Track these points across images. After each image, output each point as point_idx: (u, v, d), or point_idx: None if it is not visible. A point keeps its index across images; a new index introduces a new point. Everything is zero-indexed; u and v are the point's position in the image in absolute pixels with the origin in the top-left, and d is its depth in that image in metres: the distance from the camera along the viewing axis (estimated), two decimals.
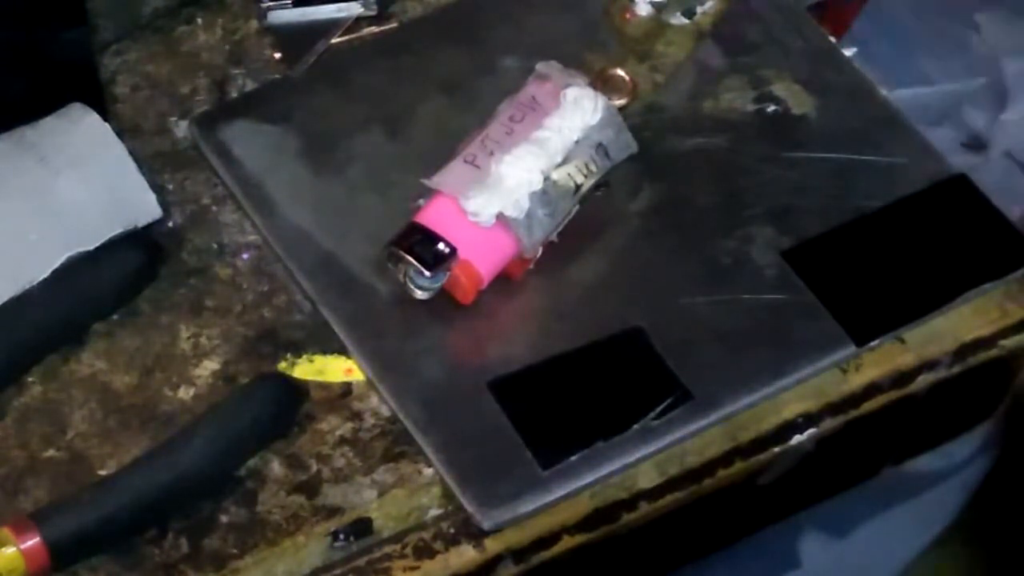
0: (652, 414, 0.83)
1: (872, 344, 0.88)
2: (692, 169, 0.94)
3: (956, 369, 0.89)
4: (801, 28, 1.01)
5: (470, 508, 0.81)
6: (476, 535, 0.81)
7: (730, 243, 0.91)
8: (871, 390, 0.88)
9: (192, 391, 0.85)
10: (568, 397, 0.85)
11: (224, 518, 0.81)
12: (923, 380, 0.89)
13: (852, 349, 0.87)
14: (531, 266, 0.88)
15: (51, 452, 0.83)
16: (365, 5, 1.01)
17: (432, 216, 0.86)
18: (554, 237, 0.88)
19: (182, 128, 0.96)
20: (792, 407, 0.86)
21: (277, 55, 0.99)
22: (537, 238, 0.87)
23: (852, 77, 1.00)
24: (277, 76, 0.98)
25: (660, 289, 0.89)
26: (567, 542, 0.82)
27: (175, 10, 1.01)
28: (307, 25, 1.00)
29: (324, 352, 0.87)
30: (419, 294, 0.86)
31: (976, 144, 1.44)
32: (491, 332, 0.88)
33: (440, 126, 0.94)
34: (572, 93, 0.89)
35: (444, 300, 0.86)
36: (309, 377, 0.86)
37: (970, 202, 0.93)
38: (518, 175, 0.85)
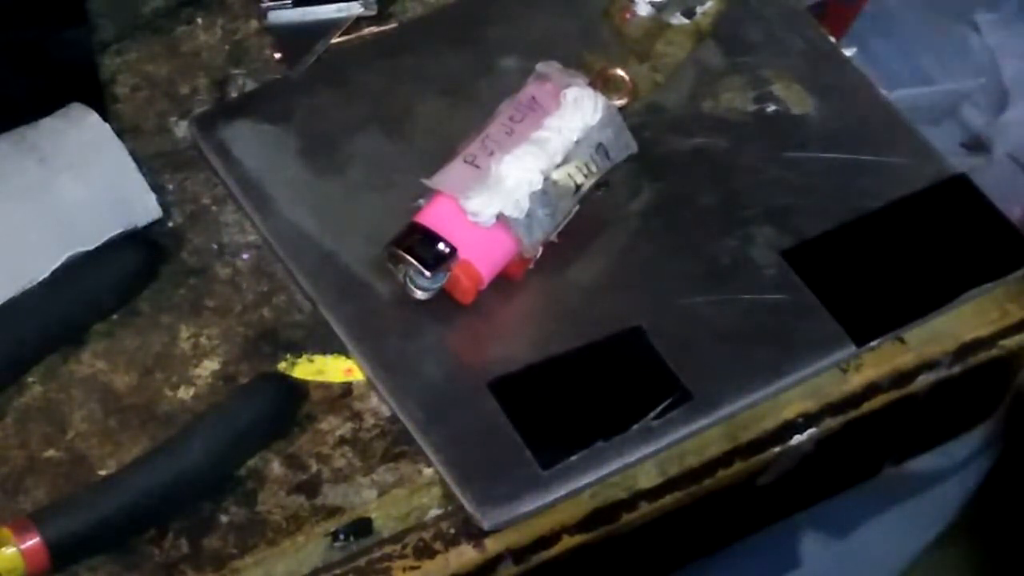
0: (652, 414, 0.83)
1: (872, 344, 0.88)
2: (692, 169, 0.94)
3: (956, 369, 0.89)
4: (801, 28, 1.01)
5: (470, 508, 0.81)
6: (476, 535, 0.81)
7: (730, 243, 0.91)
8: (871, 390, 0.88)
9: (192, 391, 0.85)
10: (568, 397, 0.84)
11: (224, 518, 0.81)
12: (923, 380, 0.89)
13: (852, 349, 0.87)
14: (531, 266, 0.88)
15: (51, 452, 0.83)
16: (365, 5, 1.01)
17: (432, 216, 0.86)
18: (554, 237, 0.88)
19: (182, 128, 0.96)
20: (792, 407, 0.86)
21: (277, 55, 0.99)
22: (537, 238, 0.87)
23: (852, 77, 1.00)
24: (277, 76, 0.98)
25: (660, 289, 0.89)
26: (567, 542, 0.82)
27: (175, 10, 1.01)
28: (307, 25, 1.00)
29: (324, 352, 0.87)
30: (419, 294, 0.86)
31: (976, 144, 1.44)
32: (491, 332, 0.88)
33: (440, 126, 0.94)
34: (572, 93, 0.89)
35: (444, 300, 0.86)
36: (309, 377, 0.86)
37: (970, 202, 0.93)
38: (518, 175, 0.85)
